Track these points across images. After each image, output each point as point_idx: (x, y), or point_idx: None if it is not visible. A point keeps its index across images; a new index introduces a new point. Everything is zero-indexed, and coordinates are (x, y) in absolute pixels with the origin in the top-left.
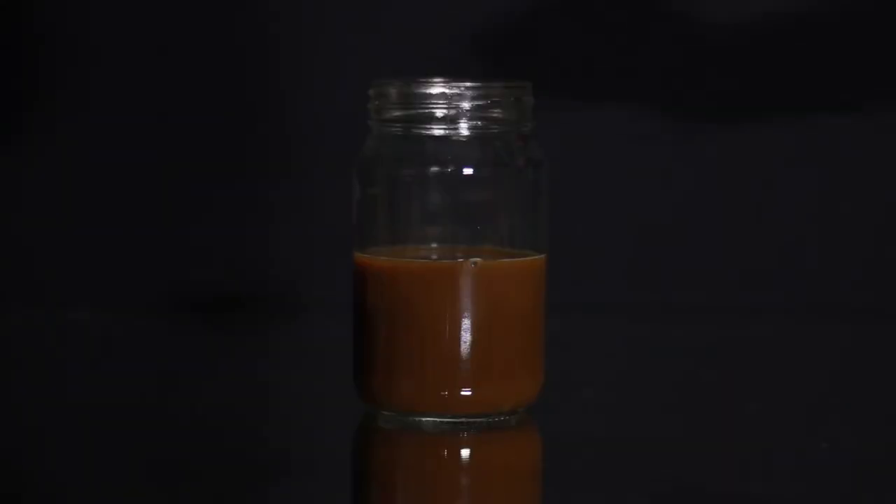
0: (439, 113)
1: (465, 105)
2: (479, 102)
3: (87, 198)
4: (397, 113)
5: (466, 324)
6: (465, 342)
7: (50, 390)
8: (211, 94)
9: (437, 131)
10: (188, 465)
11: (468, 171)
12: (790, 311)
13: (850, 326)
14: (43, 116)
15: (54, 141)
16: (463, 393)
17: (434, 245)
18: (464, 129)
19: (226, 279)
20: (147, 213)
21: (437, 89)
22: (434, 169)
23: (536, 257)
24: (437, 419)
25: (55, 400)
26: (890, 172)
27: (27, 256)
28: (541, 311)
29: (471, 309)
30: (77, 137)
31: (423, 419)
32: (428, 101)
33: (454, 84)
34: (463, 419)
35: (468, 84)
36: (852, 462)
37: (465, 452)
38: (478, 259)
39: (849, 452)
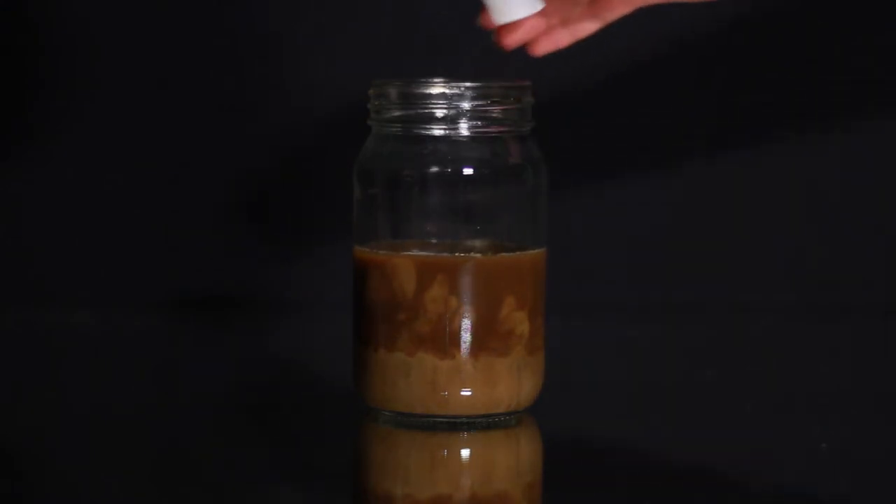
0: (439, 113)
1: (465, 105)
2: (479, 102)
3: (87, 198)
4: (397, 113)
5: (466, 322)
6: (465, 341)
7: (50, 390)
8: (211, 94)
9: (437, 131)
10: (188, 465)
11: (468, 171)
12: (789, 311)
13: (850, 326)
14: (43, 117)
15: (54, 141)
16: (463, 393)
17: (434, 241)
18: (464, 129)
19: (225, 279)
20: (147, 213)
21: (437, 89)
22: (434, 169)
23: (537, 251)
24: (437, 419)
25: (55, 400)
26: (889, 171)
27: (27, 256)
28: (541, 308)
29: (471, 305)
30: (77, 137)
31: (423, 419)
32: (428, 101)
33: (454, 84)
34: (463, 419)
35: (468, 84)
36: (852, 462)
37: (465, 452)
38: (478, 255)
39: (849, 452)
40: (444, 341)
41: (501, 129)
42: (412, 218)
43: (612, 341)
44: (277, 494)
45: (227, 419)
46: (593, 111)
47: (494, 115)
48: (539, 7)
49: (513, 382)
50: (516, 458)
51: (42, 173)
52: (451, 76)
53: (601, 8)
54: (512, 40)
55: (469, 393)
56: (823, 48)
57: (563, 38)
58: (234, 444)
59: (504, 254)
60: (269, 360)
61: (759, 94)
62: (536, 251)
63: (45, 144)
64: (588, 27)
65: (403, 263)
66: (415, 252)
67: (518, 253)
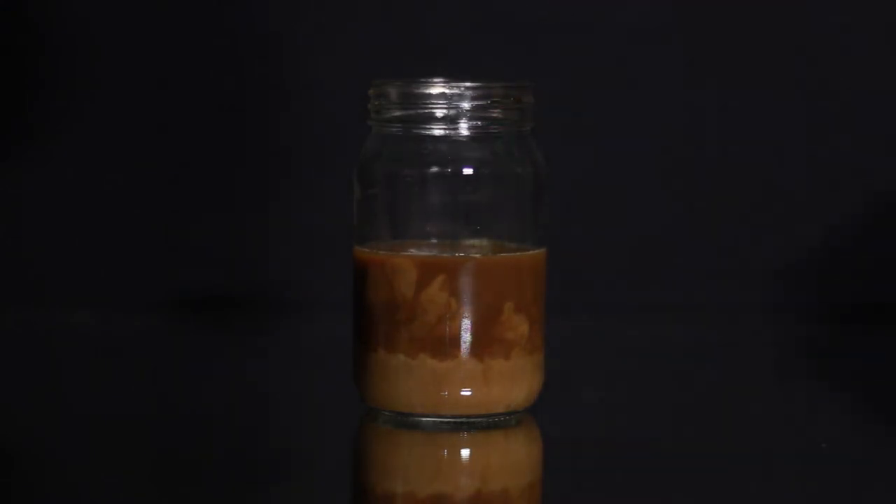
0: (439, 113)
1: (465, 105)
2: (479, 102)
3: (87, 198)
4: (397, 113)
5: (466, 322)
6: (466, 341)
7: (50, 390)
8: (211, 94)
9: (437, 131)
10: (188, 465)
11: (468, 171)
12: (790, 311)
13: (849, 326)
14: (43, 117)
15: (54, 141)
16: (463, 393)
17: (434, 241)
18: (464, 129)
19: (225, 279)
20: (147, 214)
21: (437, 89)
22: (434, 169)
23: (537, 251)
24: (437, 419)
25: (55, 400)
26: (890, 171)
27: (27, 256)
28: (542, 308)
29: (471, 305)
30: (77, 138)
31: (423, 419)
32: (428, 101)
33: (454, 84)
34: (463, 419)
35: (468, 84)
36: (852, 462)
37: (465, 452)
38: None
39: (849, 452)
40: (444, 341)
41: (501, 129)
42: (412, 218)
43: (612, 341)
44: (278, 494)
45: (227, 419)
46: (593, 111)
47: (494, 115)
48: None
49: (512, 382)
50: (516, 458)
51: (42, 173)
52: (451, 76)
53: None
54: None
55: (469, 393)
56: (823, 48)
57: None
58: (233, 444)
59: (504, 254)
60: (269, 360)
61: (761, 92)
62: (536, 251)
63: (45, 144)
64: None
65: (403, 263)
66: (415, 252)
67: (518, 253)
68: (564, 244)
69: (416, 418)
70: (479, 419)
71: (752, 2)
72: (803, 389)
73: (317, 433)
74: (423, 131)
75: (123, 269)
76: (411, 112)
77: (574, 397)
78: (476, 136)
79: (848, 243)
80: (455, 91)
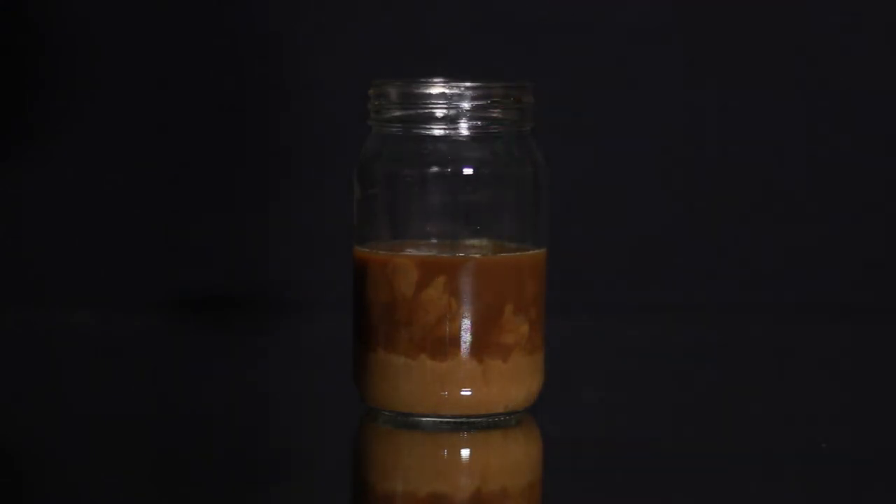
0: (439, 113)
1: (465, 105)
2: (479, 102)
3: (87, 198)
4: (397, 113)
5: (466, 322)
6: (466, 341)
7: (50, 390)
8: (211, 94)
9: (437, 131)
10: (188, 465)
11: (468, 171)
12: (789, 311)
13: (850, 326)
14: (43, 117)
15: (54, 141)
16: (463, 393)
17: (434, 241)
18: (464, 129)
19: (225, 279)
20: (147, 214)
21: (437, 89)
22: (434, 169)
23: (537, 251)
24: (437, 419)
25: (55, 400)
26: (891, 171)
27: (27, 256)
28: (542, 308)
29: (471, 305)
30: (77, 137)
31: (423, 419)
32: (428, 101)
33: (454, 84)
34: (463, 419)
35: (468, 84)
36: (852, 462)
37: (465, 452)
38: None
39: (849, 452)
40: (444, 341)
41: (501, 129)
42: (412, 218)
43: (612, 341)
44: (278, 494)
45: (227, 419)
46: (593, 111)
47: (494, 115)
48: None
49: (512, 382)
50: (516, 458)
51: (42, 173)
52: (451, 76)
53: None
54: None
55: (469, 393)
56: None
57: None
58: (233, 444)
59: (504, 254)
60: (269, 360)
61: (761, 92)
62: (536, 251)
63: (45, 144)
64: None
65: (403, 263)
66: (415, 252)
67: (518, 253)
68: (564, 244)
69: (416, 418)
70: (478, 419)
71: (752, 2)
72: (803, 389)
73: (317, 433)
74: (423, 131)
75: (123, 269)
76: (411, 112)
77: (574, 397)
78: (476, 136)
79: (847, 243)
80: (455, 91)
